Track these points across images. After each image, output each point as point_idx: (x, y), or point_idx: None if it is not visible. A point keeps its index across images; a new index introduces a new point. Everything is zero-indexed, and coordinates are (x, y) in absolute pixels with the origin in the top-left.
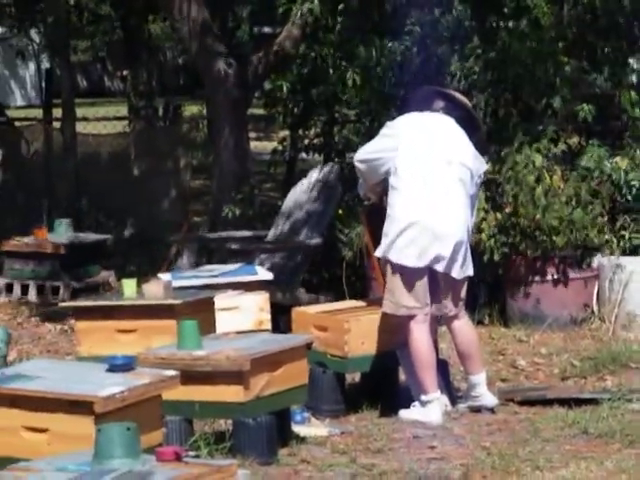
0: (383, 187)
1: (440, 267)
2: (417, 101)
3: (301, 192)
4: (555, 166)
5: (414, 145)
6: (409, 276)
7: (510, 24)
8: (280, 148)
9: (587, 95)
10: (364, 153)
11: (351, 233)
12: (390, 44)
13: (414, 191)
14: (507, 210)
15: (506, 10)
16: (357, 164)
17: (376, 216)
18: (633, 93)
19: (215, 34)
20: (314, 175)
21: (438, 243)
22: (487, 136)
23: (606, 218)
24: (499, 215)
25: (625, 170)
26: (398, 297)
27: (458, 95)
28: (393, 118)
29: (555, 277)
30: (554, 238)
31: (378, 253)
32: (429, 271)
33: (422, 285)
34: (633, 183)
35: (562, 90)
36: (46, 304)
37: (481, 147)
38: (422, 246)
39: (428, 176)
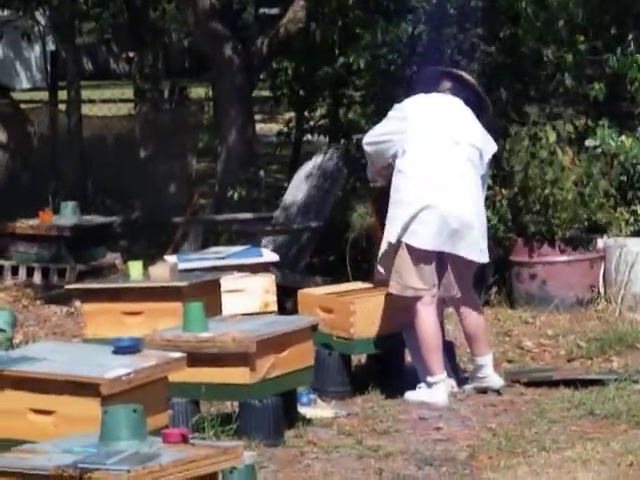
0: (391, 170)
1: (450, 248)
2: (424, 82)
3: (306, 174)
4: (566, 147)
5: (422, 127)
6: (419, 258)
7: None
8: (285, 130)
9: (598, 75)
10: (372, 136)
11: (355, 215)
12: (397, 26)
13: (422, 173)
14: (520, 185)
15: None
16: (365, 147)
17: (384, 199)
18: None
19: (220, 17)
20: (319, 158)
21: (447, 224)
22: (496, 115)
23: (615, 197)
24: (504, 191)
25: (630, 148)
26: (405, 278)
27: (465, 75)
28: (400, 100)
29: (561, 258)
30: (561, 214)
31: (392, 238)
32: (437, 252)
33: (430, 266)
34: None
35: (573, 69)
36: (52, 287)
37: (490, 127)
38: (434, 228)
39: (436, 158)
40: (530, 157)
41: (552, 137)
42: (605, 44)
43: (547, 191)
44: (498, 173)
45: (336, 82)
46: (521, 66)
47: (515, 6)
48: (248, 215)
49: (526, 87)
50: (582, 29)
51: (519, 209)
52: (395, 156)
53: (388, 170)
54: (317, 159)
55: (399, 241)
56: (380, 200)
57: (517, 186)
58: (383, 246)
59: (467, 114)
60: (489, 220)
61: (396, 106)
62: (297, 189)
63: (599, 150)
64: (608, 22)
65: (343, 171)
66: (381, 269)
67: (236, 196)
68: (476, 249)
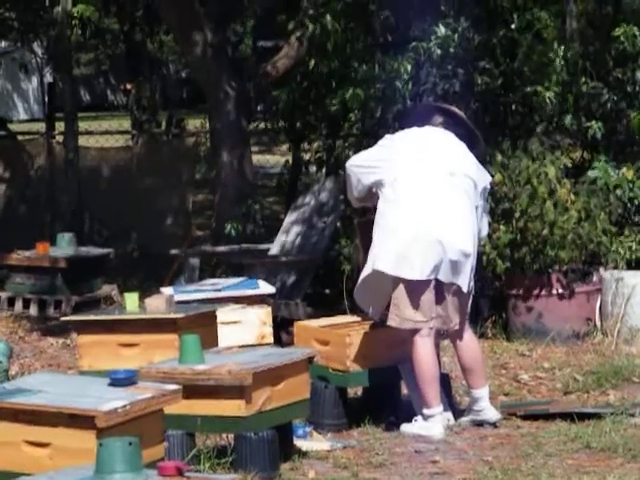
0: (373, 201)
1: (447, 279)
2: (416, 116)
3: (302, 207)
4: (565, 179)
5: (414, 158)
6: (417, 289)
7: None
8: (283, 163)
9: (598, 113)
10: (359, 159)
11: (351, 247)
12: (395, 60)
13: (417, 203)
14: (518, 224)
15: (514, 25)
16: (349, 169)
17: (371, 231)
18: None
19: (217, 51)
20: (316, 190)
21: (445, 255)
22: (493, 149)
23: (612, 231)
24: (503, 227)
25: (632, 180)
26: (403, 310)
27: (457, 110)
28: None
29: (557, 291)
30: (559, 253)
31: (381, 266)
32: (435, 284)
33: (428, 298)
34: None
35: (572, 108)
36: (48, 318)
37: (482, 161)
38: (431, 259)
39: (430, 188)
40: (529, 197)
41: (551, 172)
42: (605, 83)
43: (545, 232)
44: (497, 208)
45: (333, 115)
46: (520, 102)
47: (513, 39)
48: (244, 247)
49: (524, 121)
50: (582, 69)
51: (517, 243)
52: (379, 184)
53: (366, 201)
54: (315, 189)
55: (394, 272)
56: (367, 232)
57: (516, 223)
58: (366, 271)
59: (460, 146)
60: (487, 254)
61: (387, 136)
62: (294, 222)
63: (601, 181)
64: (608, 60)
65: (339, 204)
66: (360, 294)
67: (233, 232)
68: (466, 279)
